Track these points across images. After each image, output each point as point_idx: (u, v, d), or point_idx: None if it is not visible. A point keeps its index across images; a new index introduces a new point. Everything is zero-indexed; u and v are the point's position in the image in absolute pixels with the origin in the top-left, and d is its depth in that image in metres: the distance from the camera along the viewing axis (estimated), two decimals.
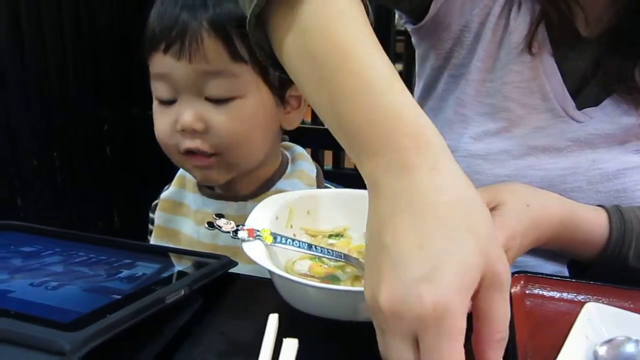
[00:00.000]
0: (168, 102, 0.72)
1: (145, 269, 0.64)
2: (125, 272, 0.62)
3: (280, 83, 0.74)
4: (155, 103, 0.74)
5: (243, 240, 0.55)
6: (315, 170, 0.83)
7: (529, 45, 0.75)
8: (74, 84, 1.21)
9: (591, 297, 0.58)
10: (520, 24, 0.76)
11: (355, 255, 0.61)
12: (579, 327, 0.53)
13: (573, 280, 0.61)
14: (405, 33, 1.45)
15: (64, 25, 1.18)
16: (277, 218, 0.62)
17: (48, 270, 0.58)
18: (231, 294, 0.61)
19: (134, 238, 0.72)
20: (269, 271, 0.52)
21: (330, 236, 0.65)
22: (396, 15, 1.51)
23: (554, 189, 0.71)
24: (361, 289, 0.52)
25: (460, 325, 0.37)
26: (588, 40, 0.75)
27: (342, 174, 1.40)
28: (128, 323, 0.46)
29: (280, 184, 0.79)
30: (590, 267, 0.69)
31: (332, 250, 0.60)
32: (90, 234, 0.70)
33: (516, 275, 0.60)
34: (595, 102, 0.76)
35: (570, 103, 0.76)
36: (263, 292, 0.60)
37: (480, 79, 0.79)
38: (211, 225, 0.58)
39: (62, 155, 1.18)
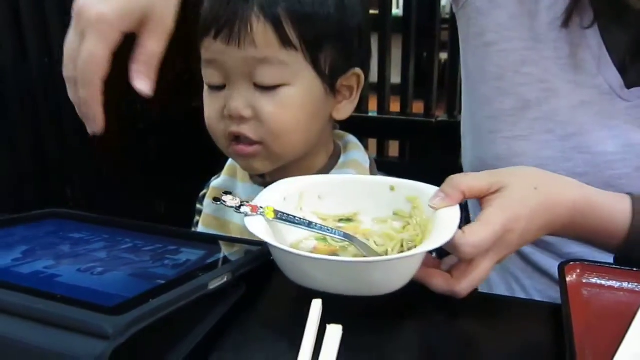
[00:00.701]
0: (218, 88, 0.72)
1: (189, 255, 0.63)
2: (169, 259, 0.62)
3: (331, 71, 0.72)
4: (205, 88, 0.74)
5: (246, 215, 0.56)
6: (368, 161, 0.81)
7: (568, 18, 0.71)
8: (121, 75, 1.23)
9: None
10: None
11: (360, 238, 0.61)
12: None
13: (634, 269, 0.57)
14: (449, 21, 1.41)
15: None
16: (284, 199, 0.62)
17: (94, 256, 0.58)
18: (275, 280, 0.61)
19: (179, 227, 0.72)
20: (267, 244, 0.53)
21: (340, 220, 0.65)
22: (441, 3, 1.47)
23: (599, 176, 0.67)
24: (353, 259, 0.56)
25: (110, 34, 0.57)
26: (636, 13, 0.70)
27: (386, 162, 1.38)
28: (171, 308, 0.45)
29: (333, 173, 0.78)
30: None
31: (332, 229, 0.60)
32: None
33: (572, 263, 0.57)
34: None
35: (617, 80, 0.72)
36: None
37: (512, 48, 0.75)
38: (217, 200, 0.59)
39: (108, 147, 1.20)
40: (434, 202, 0.58)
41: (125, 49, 0.59)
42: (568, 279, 0.55)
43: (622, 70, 0.72)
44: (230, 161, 0.84)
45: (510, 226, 0.55)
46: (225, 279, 0.53)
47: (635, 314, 0.51)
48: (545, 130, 0.74)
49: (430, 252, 0.56)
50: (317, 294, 0.52)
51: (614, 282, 0.56)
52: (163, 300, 0.45)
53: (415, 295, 0.60)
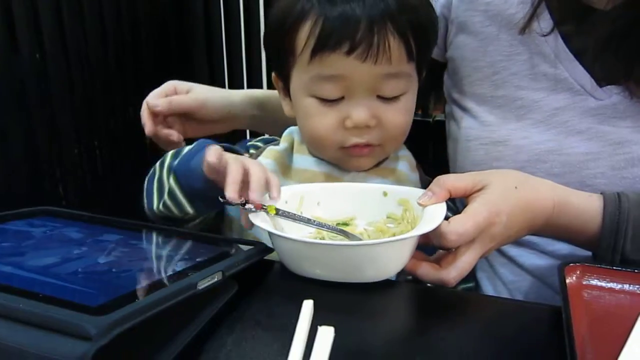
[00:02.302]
0: (332, 100, 0.72)
1: (179, 254, 0.62)
2: (158, 257, 0.61)
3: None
4: (310, 101, 0.73)
5: (250, 211, 0.60)
6: (414, 159, 0.84)
7: (527, 25, 0.73)
8: (115, 73, 1.22)
9: None
10: (518, 7, 0.74)
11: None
12: None
13: (635, 270, 0.56)
14: None
15: (104, 15, 1.19)
16: (286, 202, 0.67)
17: (80, 254, 0.57)
18: (267, 281, 0.60)
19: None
20: (269, 234, 0.58)
21: (337, 224, 0.68)
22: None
23: (575, 175, 0.69)
24: (348, 242, 0.61)
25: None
26: (602, 14, 0.70)
27: None
28: (157, 308, 0.44)
29: (388, 162, 0.80)
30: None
31: (330, 225, 0.65)
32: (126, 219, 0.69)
33: (572, 265, 0.56)
34: (619, 79, 0.71)
35: (588, 80, 0.72)
36: (299, 279, 0.59)
37: (482, 76, 0.79)
38: (223, 199, 0.61)
39: (102, 144, 1.19)
40: (422, 200, 0.62)
41: None
42: (568, 280, 0.54)
43: (590, 69, 0.72)
44: (286, 132, 0.82)
45: (492, 219, 0.59)
46: (216, 279, 0.51)
47: (637, 316, 0.49)
48: (522, 137, 0.76)
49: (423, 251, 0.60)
50: (308, 295, 0.50)
51: (615, 284, 0.55)
52: (149, 300, 0.44)
53: (410, 297, 0.59)
